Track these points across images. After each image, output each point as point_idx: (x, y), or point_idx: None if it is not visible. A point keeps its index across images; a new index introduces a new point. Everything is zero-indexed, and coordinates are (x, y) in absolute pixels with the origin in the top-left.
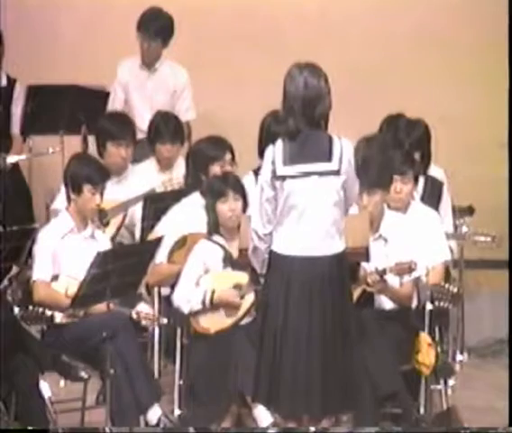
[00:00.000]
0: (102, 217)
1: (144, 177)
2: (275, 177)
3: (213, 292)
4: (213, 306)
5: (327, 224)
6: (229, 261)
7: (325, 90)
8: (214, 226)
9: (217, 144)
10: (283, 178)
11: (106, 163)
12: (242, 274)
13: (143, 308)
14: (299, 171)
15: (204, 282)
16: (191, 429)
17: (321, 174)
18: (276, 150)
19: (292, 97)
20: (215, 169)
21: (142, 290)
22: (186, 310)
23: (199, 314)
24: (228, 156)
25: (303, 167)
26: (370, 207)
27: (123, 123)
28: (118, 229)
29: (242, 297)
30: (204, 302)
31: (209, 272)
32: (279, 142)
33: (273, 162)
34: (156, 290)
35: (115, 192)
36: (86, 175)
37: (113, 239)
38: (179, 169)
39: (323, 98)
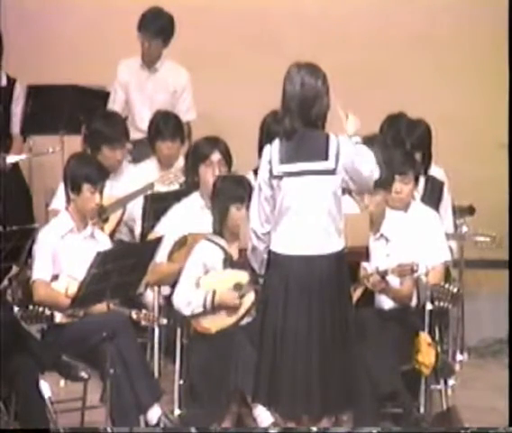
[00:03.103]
0: (101, 213)
1: (145, 176)
2: (272, 176)
3: (213, 294)
4: (213, 308)
5: (325, 222)
6: (229, 262)
7: (323, 90)
8: (219, 228)
9: (208, 143)
10: (280, 177)
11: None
12: (242, 273)
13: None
14: (295, 170)
15: (204, 283)
16: (191, 429)
17: (317, 173)
18: (273, 149)
19: (289, 96)
20: (204, 169)
21: (142, 289)
22: (186, 313)
23: (200, 315)
24: (216, 157)
25: (299, 166)
26: (372, 206)
27: (116, 125)
28: (117, 225)
29: (242, 296)
30: (205, 305)
31: (209, 273)
32: (276, 142)
33: (270, 162)
34: (156, 289)
35: (112, 187)
36: (85, 174)
37: (112, 235)
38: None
39: (319, 98)
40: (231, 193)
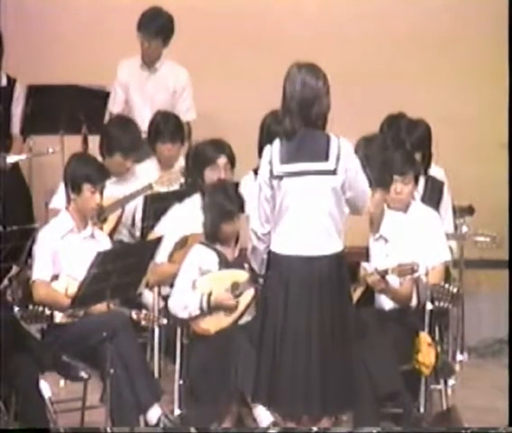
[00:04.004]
0: (99, 214)
1: (145, 177)
2: (272, 176)
3: (209, 295)
4: (210, 309)
5: (325, 223)
6: (224, 264)
7: (323, 90)
8: (212, 238)
9: (214, 147)
10: (280, 177)
11: (108, 166)
12: (239, 272)
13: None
14: (296, 170)
15: (201, 285)
16: (191, 429)
17: (318, 173)
18: (273, 149)
19: (289, 97)
20: (209, 173)
21: (142, 289)
22: (184, 316)
23: (198, 316)
24: (222, 160)
25: (300, 166)
26: (372, 207)
27: (133, 135)
28: (116, 225)
29: (239, 295)
30: (201, 308)
31: (206, 274)
32: (277, 142)
33: (270, 162)
34: (156, 289)
35: (114, 190)
36: (85, 174)
37: (111, 235)
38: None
39: (320, 98)
40: (220, 209)
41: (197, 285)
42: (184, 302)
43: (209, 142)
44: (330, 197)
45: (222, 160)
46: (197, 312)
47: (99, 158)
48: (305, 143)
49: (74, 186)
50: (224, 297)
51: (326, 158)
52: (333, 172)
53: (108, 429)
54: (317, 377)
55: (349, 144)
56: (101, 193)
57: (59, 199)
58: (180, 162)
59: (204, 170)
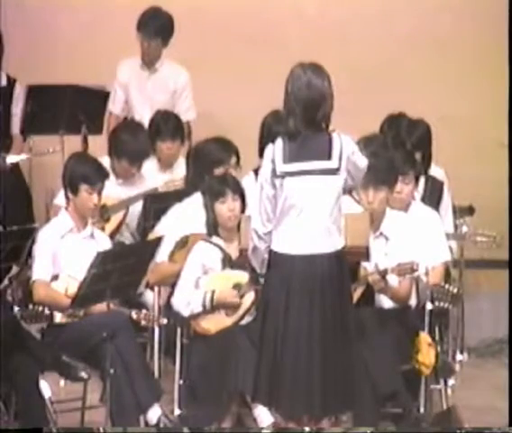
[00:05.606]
0: (103, 213)
1: (147, 176)
2: (275, 175)
3: (212, 293)
4: (213, 307)
5: (327, 222)
6: (228, 261)
7: (328, 91)
8: (213, 227)
9: (224, 147)
10: (283, 176)
11: (116, 169)
12: (241, 273)
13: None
14: (299, 170)
15: (203, 284)
16: (184, 429)
17: (320, 172)
18: (276, 148)
19: (294, 98)
20: (220, 171)
21: (142, 289)
22: (186, 313)
23: (200, 315)
24: (233, 160)
25: (302, 165)
26: (376, 203)
27: (142, 143)
28: (118, 226)
29: (241, 296)
30: (204, 305)
31: (208, 273)
32: (279, 141)
33: (273, 161)
34: (156, 289)
35: (120, 191)
36: (82, 175)
37: (112, 235)
38: (180, 168)
39: (325, 99)
40: (212, 190)
41: (201, 284)
42: (187, 299)
43: (216, 141)
44: (332, 195)
45: (233, 160)
46: (200, 309)
47: (99, 157)
48: (307, 143)
49: (71, 186)
50: (228, 294)
51: (329, 157)
52: (336, 171)
53: (101, 429)
54: (318, 377)
55: (350, 140)
56: (99, 194)
57: (63, 196)
58: (180, 163)
59: (213, 170)
